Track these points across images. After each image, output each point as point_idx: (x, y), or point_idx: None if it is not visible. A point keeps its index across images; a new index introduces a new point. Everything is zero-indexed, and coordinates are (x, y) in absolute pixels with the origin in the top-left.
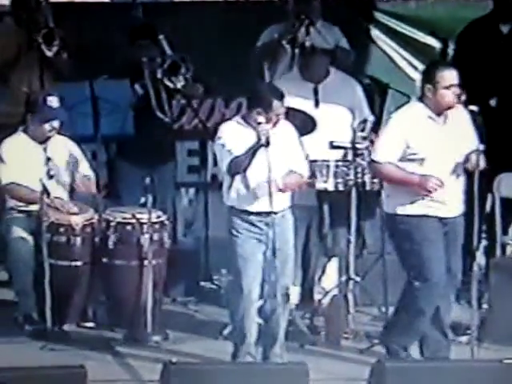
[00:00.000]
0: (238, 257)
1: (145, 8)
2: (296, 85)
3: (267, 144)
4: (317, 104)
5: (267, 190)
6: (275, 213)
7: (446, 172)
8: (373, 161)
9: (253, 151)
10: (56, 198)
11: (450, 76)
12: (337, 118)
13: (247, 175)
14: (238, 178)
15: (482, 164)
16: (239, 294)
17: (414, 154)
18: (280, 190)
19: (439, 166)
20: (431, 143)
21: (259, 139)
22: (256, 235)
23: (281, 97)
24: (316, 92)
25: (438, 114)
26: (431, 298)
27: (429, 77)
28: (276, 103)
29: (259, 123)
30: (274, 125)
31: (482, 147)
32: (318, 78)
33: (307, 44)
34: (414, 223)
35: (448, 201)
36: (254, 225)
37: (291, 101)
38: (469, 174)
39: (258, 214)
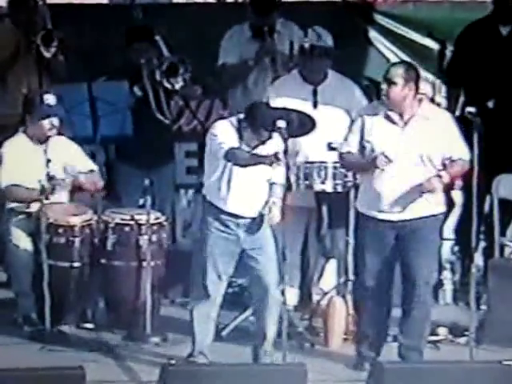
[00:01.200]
0: (207, 256)
1: (143, 9)
2: (295, 86)
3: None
4: (315, 105)
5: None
6: (248, 218)
7: (405, 172)
8: (339, 152)
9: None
10: (55, 203)
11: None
12: (335, 119)
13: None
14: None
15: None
16: (204, 294)
17: (372, 149)
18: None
19: (399, 165)
20: (388, 141)
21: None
22: (226, 235)
23: (279, 117)
24: (315, 94)
25: (399, 115)
26: (365, 301)
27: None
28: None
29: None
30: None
31: (464, 156)
32: (317, 79)
33: (306, 46)
34: (360, 223)
35: (403, 203)
36: (225, 224)
37: (290, 102)
38: (467, 176)
39: (230, 214)
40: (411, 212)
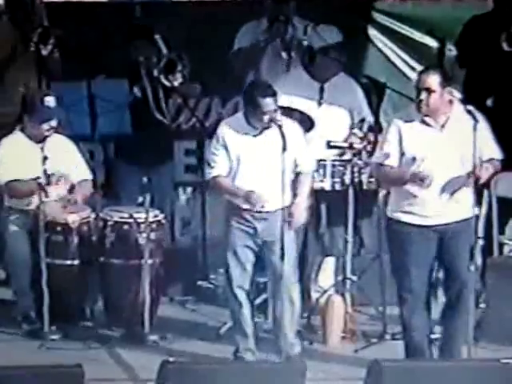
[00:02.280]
0: (228, 250)
1: (142, 7)
2: (302, 83)
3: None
4: (320, 103)
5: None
6: (267, 212)
7: (442, 178)
8: (375, 163)
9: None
10: (53, 197)
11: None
12: (337, 118)
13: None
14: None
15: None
16: (229, 286)
17: (411, 157)
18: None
19: (436, 172)
20: (427, 146)
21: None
22: (245, 228)
23: (271, 94)
24: (322, 91)
25: (435, 119)
26: (407, 304)
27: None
28: (265, 101)
29: (261, 120)
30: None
31: (497, 156)
32: (325, 77)
33: (316, 43)
34: (398, 229)
35: (441, 207)
36: (244, 218)
37: (295, 99)
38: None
39: (246, 209)
40: (450, 216)
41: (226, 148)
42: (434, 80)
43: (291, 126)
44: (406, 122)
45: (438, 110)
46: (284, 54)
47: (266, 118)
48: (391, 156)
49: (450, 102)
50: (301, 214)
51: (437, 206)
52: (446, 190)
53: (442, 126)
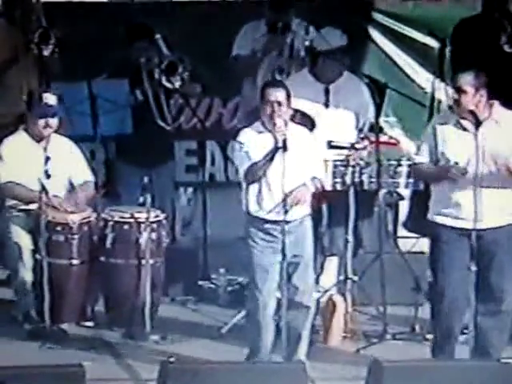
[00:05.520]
0: (255, 267)
1: (142, 7)
2: (307, 85)
3: (284, 147)
4: (327, 105)
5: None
6: (290, 221)
7: (480, 178)
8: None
9: (270, 156)
10: (54, 196)
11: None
12: (342, 119)
13: (268, 182)
14: (255, 185)
15: None
16: (256, 305)
17: (447, 159)
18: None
19: (474, 172)
20: (462, 149)
21: (276, 142)
22: (271, 244)
23: (276, 85)
24: (327, 92)
25: (471, 122)
26: (443, 306)
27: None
28: (269, 90)
29: (275, 124)
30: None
31: None
32: (330, 78)
33: (319, 45)
34: (436, 232)
35: (479, 211)
36: (269, 233)
37: (301, 101)
38: None
39: (274, 222)
40: (489, 221)
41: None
42: (466, 80)
43: (304, 132)
44: (442, 124)
45: (472, 111)
46: (283, 62)
47: (269, 109)
48: (423, 154)
49: (491, 105)
50: (304, 192)
51: (473, 209)
52: (481, 192)
53: (477, 129)
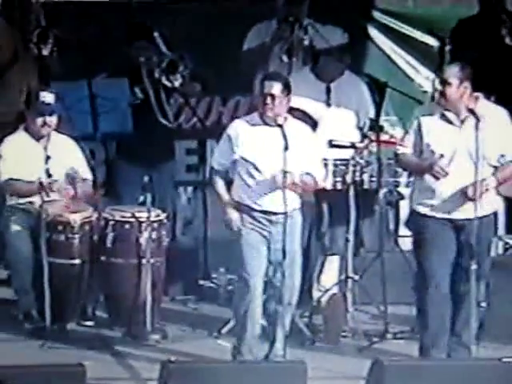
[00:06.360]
0: (242, 247)
1: (142, 7)
2: (308, 83)
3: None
4: (328, 103)
5: (279, 183)
6: (281, 213)
7: (462, 171)
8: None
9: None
10: (54, 180)
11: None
12: (342, 117)
13: (257, 167)
14: (245, 172)
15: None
16: (243, 286)
17: (430, 150)
18: (294, 186)
19: (456, 164)
20: (446, 142)
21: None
22: (259, 230)
23: (273, 78)
24: (328, 91)
25: (456, 114)
26: (429, 297)
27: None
28: (266, 83)
29: (267, 117)
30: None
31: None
32: (332, 76)
33: (321, 43)
34: (421, 224)
35: (461, 202)
36: (257, 220)
37: (302, 99)
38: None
39: (263, 211)
40: (469, 212)
41: None
42: (451, 72)
43: (303, 128)
44: (427, 115)
45: (456, 104)
46: (285, 57)
47: (261, 102)
48: (406, 145)
49: (476, 98)
50: (295, 179)
51: (456, 201)
52: (463, 185)
53: (462, 123)
